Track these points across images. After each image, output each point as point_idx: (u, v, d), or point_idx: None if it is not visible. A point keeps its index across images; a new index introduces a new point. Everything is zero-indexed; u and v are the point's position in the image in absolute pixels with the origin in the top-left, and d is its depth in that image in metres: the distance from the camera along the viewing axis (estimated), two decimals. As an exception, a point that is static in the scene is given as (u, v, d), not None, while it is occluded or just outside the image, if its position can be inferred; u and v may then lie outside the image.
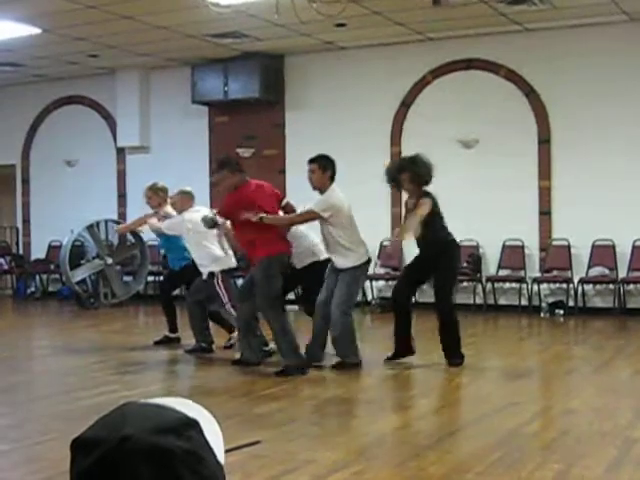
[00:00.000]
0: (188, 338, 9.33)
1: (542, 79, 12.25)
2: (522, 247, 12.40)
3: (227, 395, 7.01)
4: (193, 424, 1.11)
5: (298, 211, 8.11)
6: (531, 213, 12.35)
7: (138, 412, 1.11)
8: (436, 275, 8.08)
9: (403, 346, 8.16)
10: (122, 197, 15.57)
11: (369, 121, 13.16)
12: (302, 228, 8.40)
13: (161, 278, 14.82)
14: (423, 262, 8.14)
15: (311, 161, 7.98)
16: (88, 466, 1.06)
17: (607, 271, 11.86)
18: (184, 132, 14.72)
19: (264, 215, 7.64)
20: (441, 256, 7.98)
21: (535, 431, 5.78)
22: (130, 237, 14.67)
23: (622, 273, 11.84)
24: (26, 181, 16.56)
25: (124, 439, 1.05)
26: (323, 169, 7.87)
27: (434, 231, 7.93)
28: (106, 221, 14.63)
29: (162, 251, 10.33)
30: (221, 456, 1.16)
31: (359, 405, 6.94)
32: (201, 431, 1.12)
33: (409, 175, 8.03)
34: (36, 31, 11.87)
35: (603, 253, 11.89)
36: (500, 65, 12.50)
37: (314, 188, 7.94)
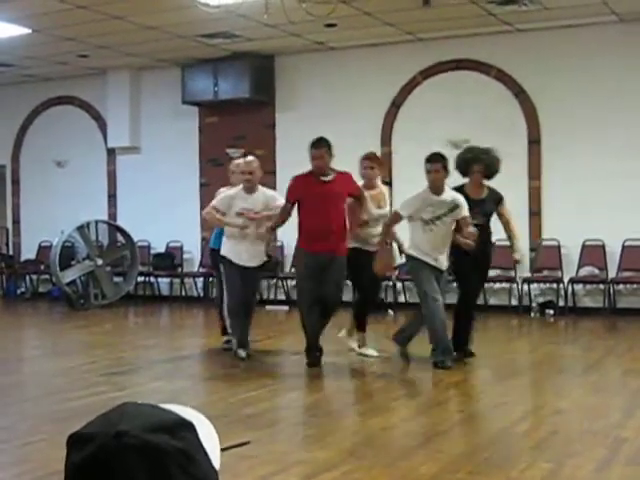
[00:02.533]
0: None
1: (532, 80, 12.27)
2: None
3: (216, 396, 7.00)
4: (188, 425, 1.12)
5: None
6: (521, 213, 12.33)
7: (135, 411, 1.12)
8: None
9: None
10: (112, 198, 15.53)
11: (359, 121, 13.15)
12: None
13: (150, 279, 14.80)
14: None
15: (434, 161, 7.88)
16: (81, 460, 1.07)
17: (597, 271, 11.88)
18: (174, 132, 14.69)
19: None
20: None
21: (525, 430, 5.78)
22: (120, 238, 14.66)
23: (612, 273, 11.86)
24: (16, 182, 16.51)
25: (118, 435, 1.06)
26: (445, 168, 7.88)
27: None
28: (96, 222, 14.61)
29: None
30: (216, 461, 1.16)
31: (348, 405, 6.94)
32: (196, 433, 1.12)
33: (482, 167, 8.20)
34: (26, 31, 11.84)
35: (593, 253, 11.91)
36: (490, 65, 12.51)
37: (436, 188, 7.87)
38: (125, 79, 14.97)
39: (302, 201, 8.01)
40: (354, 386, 7.61)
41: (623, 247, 11.80)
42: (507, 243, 12.23)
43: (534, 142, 12.34)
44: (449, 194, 7.95)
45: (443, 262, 7.96)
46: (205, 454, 1.13)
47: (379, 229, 8.35)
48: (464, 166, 8.32)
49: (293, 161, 12.56)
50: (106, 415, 1.11)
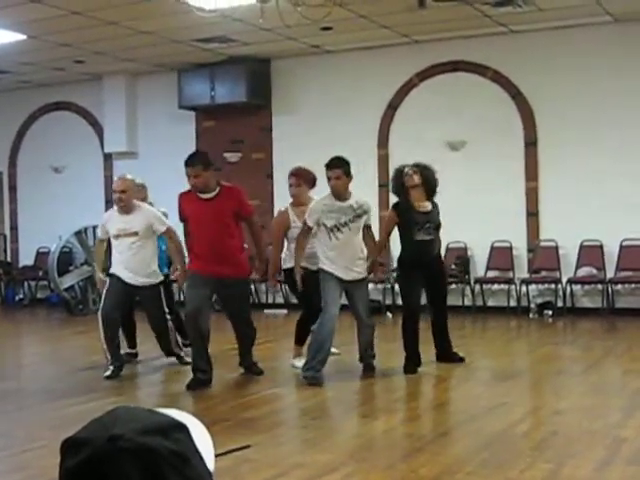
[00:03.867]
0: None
1: (528, 81, 12.28)
2: (510, 248, 12.41)
3: (216, 400, 7.00)
4: (182, 427, 1.12)
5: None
6: (519, 214, 12.37)
7: (128, 414, 1.12)
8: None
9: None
10: (110, 203, 15.48)
11: (356, 124, 13.16)
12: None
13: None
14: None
15: (334, 167, 7.54)
16: (76, 465, 1.07)
17: (595, 271, 11.88)
18: (171, 137, 14.69)
19: None
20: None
21: (525, 431, 5.79)
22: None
23: (610, 273, 11.86)
24: (13, 188, 16.50)
25: (112, 438, 1.06)
26: (346, 174, 7.57)
27: None
28: (94, 227, 14.59)
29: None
30: (211, 464, 1.16)
31: (348, 408, 6.93)
32: (189, 435, 1.13)
33: (413, 170, 7.96)
34: (21, 37, 11.84)
35: (591, 253, 11.92)
36: (486, 67, 12.52)
37: (339, 195, 7.56)
38: (121, 84, 14.97)
39: (188, 220, 7.67)
40: (354, 389, 7.59)
41: (621, 247, 11.80)
42: (505, 245, 12.34)
43: (531, 143, 12.35)
44: (355, 199, 7.64)
45: (356, 272, 7.59)
46: (199, 456, 1.13)
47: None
48: (397, 183, 8.07)
49: (290, 164, 12.53)
50: (99, 419, 1.12)
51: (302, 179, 8.28)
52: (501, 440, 5.46)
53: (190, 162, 7.44)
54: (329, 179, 7.57)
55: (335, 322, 7.59)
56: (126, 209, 8.02)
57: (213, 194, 7.47)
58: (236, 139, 14.25)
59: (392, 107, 13.17)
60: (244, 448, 1.54)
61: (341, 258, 7.53)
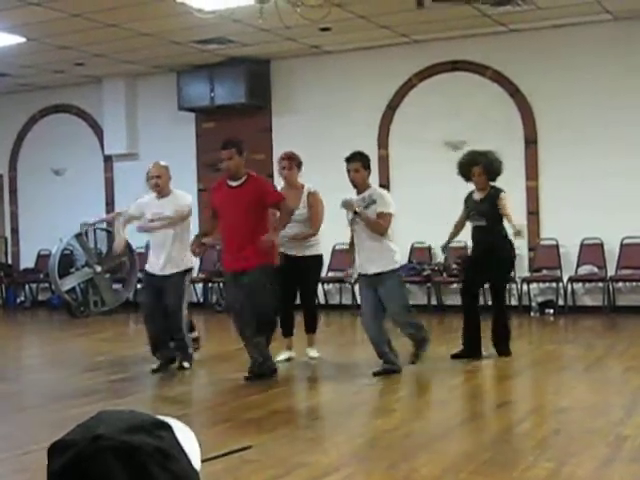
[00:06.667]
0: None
1: (528, 79, 12.28)
2: (511, 247, 12.39)
3: (217, 401, 7.00)
4: (164, 425, 1.14)
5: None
6: (519, 213, 12.32)
7: (112, 416, 1.14)
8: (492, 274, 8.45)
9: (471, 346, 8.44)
10: (110, 205, 15.53)
11: (356, 125, 13.16)
12: None
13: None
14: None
15: (352, 160, 7.77)
16: (61, 466, 1.09)
17: (596, 269, 11.89)
18: (171, 139, 14.68)
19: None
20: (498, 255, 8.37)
21: (527, 430, 5.79)
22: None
23: (611, 271, 11.86)
24: (14, 191, 16.51)
25: (96, 438, 1.08)
26: (365, 167, 7.76)
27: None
28: (95, 228, 14.58)
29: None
30: (197, 462, 1.18)
31: (350, 408, 6.93)
32: (173, 433, 1.14)
33: (480, 169, 8.39)
34: (21, 40, 11.84)
35: (592, 252, 11.92)
36: (486, 66, 12.52)
37: (357, 187, 7.76)
38: (121, 86, 14.97)
39: (218, 210, 7.79)
40: (355, 389, 7.59)
41: (621, 245, 11.81)
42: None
43: (531, 142, 12.35)
44: (370, 191, 7.74)
45: (370, 265, 7.62)
46: (184, 453, 1.14)
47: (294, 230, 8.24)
48: (464, 170, 8.53)
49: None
50: (84, 423, 1.14)
51: (294, 162, 8.55)
52: (504, 439, 5.45)
53: (225, 146, 7.80)
54: (348, 172, 7.78)
55: (366, 320, 7.82)
56: (161, 194, 8.37)
57: (240, 182, 7.77)
58: (236, 140, 14.23)
59: (391, 107, 13.17)
60: (245, 449, 1.53)
61: (357, 251, 7.77)
